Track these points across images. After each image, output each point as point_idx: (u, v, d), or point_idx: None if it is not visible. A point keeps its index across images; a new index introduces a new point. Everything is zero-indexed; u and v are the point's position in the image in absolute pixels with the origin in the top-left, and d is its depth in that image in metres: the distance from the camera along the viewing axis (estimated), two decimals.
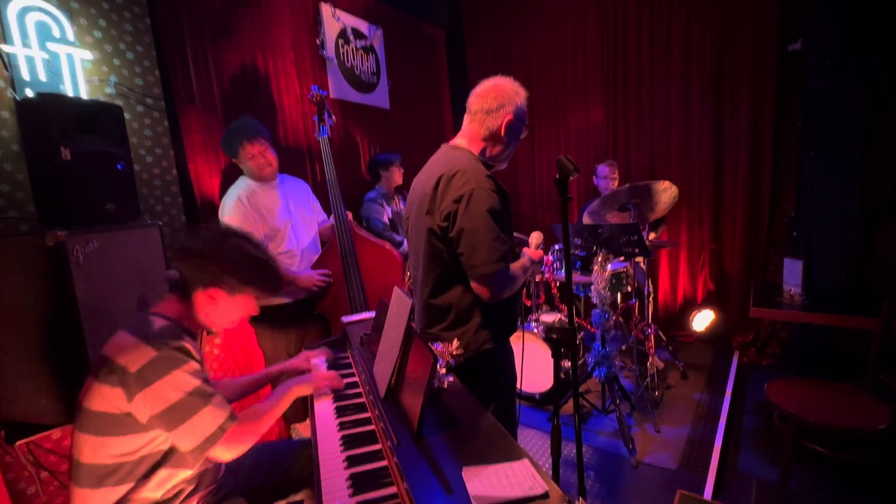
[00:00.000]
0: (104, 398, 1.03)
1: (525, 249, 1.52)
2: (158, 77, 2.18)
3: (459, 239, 1.28)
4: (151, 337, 1.06)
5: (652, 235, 3.23)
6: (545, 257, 2.72)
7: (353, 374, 1.56)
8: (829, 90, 2.45)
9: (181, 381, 1.05)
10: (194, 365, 1.09)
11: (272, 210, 2.18)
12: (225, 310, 1.22)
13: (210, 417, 1.06)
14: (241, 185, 2.16)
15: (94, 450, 1.05)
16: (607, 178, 3.36)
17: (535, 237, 1.56)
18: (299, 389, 1.34)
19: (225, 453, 1.10)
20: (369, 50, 3.49)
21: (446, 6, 4.37)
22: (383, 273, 2.38)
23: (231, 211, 2.09)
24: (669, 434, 2.45)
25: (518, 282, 1.39)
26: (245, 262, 1.21)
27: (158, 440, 1.08)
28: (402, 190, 3.18)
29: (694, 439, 2.41)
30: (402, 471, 0.93)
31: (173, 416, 1.03)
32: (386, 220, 3.00)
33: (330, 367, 1.60)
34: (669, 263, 3.76)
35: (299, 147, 2.90)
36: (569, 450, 2.34)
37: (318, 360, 1.61)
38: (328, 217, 2.47)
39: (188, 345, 1.10)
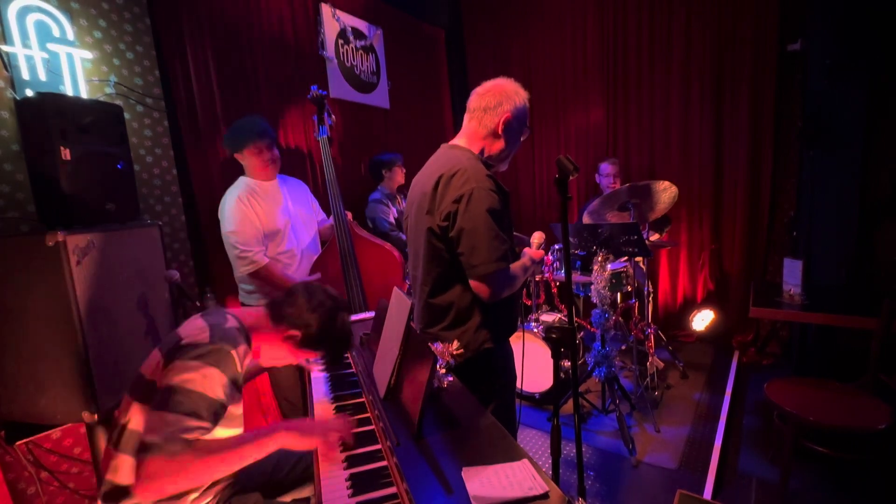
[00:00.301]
0: (156, 369, 1.06)
1: (526, 249, 1.52)
2: (158, 77, 2.19)
3: (459, 238, 1.28)
4: (217, 330, 1.09)
5: (655, 236, 3.23)
6: (545, 257, 2.72)
7: (352, 374, 1.56)
8: (829, 90, 2.45)
9: (198, 377, 0.99)
10: (221, 377, 1.02)
11: (272, 210, 2.18)
12: (284, 351, 1.25)
13: (179, 428, 0.91)
14: (241, 185, 2.16)
15: (138, 417, 1.06)
16: (610, 175, 3.36)
17: (537, 237, 1.56)
18: (285, 440, 1.01)
19: (139, 481, 0.86)
20: (369, 50, 3.48)
21: (446, 6, 4.36)
22: (383, 273, 2.38)
23: (231, 210, 2.08)
24: (669, 434, 2.45)
25: (518, 281, 1.39)
26: (340, 335, 1.26)
27: None
28: (404, 190, 3.17)
29: (694, 439, 2.40)
30: (402, 471, 0.93)
31: (161, 397, 0.96)
32: (392, 219, 2.99)
33: (331, 378, 1.58)
34: (669, 263, 3.76)
35: (299, 147, 2.90)
36: (569, 450, 2.34)
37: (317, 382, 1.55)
38: (328, 217, 2.47)
39: (239, 353, 1.09)
